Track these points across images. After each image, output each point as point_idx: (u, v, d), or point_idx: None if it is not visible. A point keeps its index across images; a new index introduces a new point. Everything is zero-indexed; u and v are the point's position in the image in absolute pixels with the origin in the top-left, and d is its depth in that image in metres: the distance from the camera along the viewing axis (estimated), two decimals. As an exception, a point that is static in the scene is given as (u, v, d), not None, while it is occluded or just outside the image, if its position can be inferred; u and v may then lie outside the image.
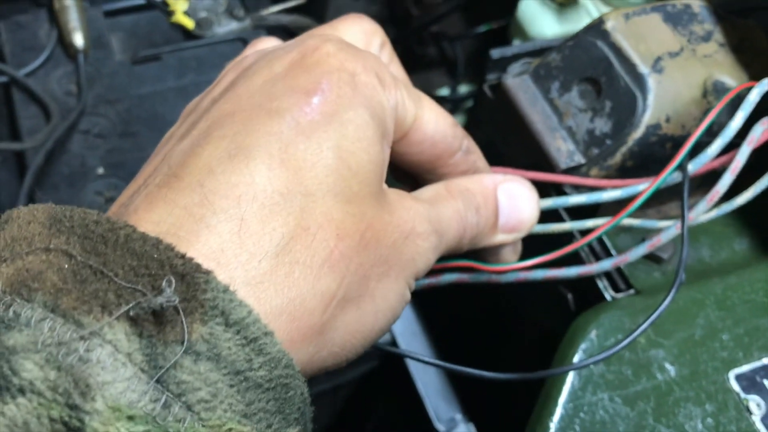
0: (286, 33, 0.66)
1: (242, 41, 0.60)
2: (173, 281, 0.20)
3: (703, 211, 0.36)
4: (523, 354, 0.47)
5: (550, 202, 0.37)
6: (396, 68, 0.35)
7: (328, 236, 0.24)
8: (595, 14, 0.69)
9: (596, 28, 0.40)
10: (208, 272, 0.20)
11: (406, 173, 0.34)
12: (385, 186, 0.29)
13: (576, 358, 0.35)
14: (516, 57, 0.44)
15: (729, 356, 0.36)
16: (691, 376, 0.35)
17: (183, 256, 0.20)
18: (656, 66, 0.39)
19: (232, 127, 0.25)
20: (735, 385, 0.35)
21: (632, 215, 0.37)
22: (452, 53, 0.80)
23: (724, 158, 0.37)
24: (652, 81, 0.38)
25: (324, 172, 0.25)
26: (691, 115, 0.39)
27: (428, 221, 0.29)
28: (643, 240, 0.38)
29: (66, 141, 0.52)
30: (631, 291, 0.38)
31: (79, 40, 0.56)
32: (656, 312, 0.33)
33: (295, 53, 0.28)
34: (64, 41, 0.57)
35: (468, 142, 0.33)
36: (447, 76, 0.82)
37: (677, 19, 0.41)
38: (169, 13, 0.59)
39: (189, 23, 0.59)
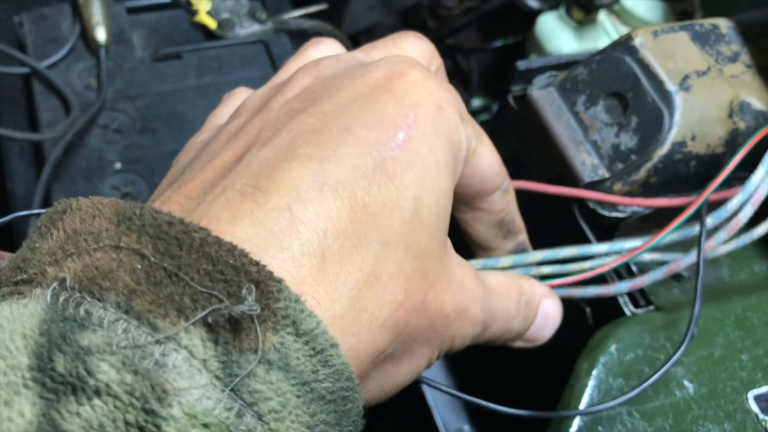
0: (306, 38, 0.66)
1: (263, 44, 0.60)
2: (254, 289, 0.19)
3: (723, 240, 0.36)
4: (534, 366, 0.47)
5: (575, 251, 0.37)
6: None
7: (397, 290, 0.24)
8: (613, 33, 0.70)
9: (624, 43, 0.40)
10: (280, 281, 0.20)
11: None
12: (452, 252, 0.28)
13: (596, 371, 0.35)
14: (541, 69, 0.44)
15: (748, 377, 0.35)
16: (710, 394, 0.35)
17: (257, 264, 0.20)
18: (683, 84, 0.39)
19: (320, 149, 0.24)
20: (754, 406, 0.35)
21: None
22: (467, 66, 0.81)
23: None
24: (679, 98, 0.38)
25: (399, 222, 0.24)
26: (717, 135, 0.39)
27: (482, 310, 0.29)
28: (661, 264, 0.38)
29: (85, 134, 0.52)
30: (651, 307, 0.38)
31: (101, 35, 0.56)
32: (656, 375, 0.33)
33: (380, 75, 0.27)
34: (86, 35, 0.57)
35: (508, 182, 0.34)
36: (461, 89, 0.82)
37: (705, 38, 0.41)
38: (193, 13, 0.59)
39: (212, 23, 0.59)
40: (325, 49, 0.33)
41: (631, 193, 0.39)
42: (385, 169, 0.24)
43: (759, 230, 0.37)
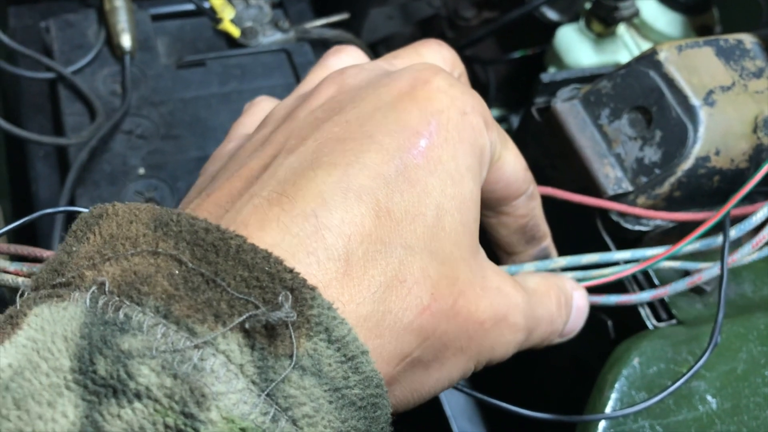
0: (327, 47, 0.67)
1: (286, 52, 0.61)
2: (290, 297, 0.20)
3: (748, 254, 0.36)
4: (554, 379, 0.47)
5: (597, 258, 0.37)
6: None
7: (423, 293, 0.24)
8: (632, 46, 0.70)
9: (649, 58, 0.41)
10: (313, 288, 0.20)
11: None
12: (485, 260, 0.28)
13: (618, 384, 0.35)
14: (565, 82, 0.44)
15: (771, 392, 0.35)
16: (733, 410, 0.35)
17: (291, 271, 0.20)
18: (708, 99, 0.39)
19: (344, 156, 0.24)
20: (777, 422, 0.35)
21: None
22: (485, 77, 0.81)
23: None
24: (703, 113, 0.39)
25: (422, 228, 0.25)
26: (741, 150, 0.39)
27: (524, 316, 0.28)
28: (686, 274, 0.38)
29: (109, 140, 0.53)
30: (673, 321, 0.38)
31: (126, 41, 0.57)
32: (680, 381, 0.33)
33: (404, 83, 0.27)
34: (111, 42, 0.58)
35: (533, 188, 0.34)
36: (478, 100, 0.83)
37: (729, 54, 0.41)
38: (217, 21, 0.60)
39: (235, 31, 0.60)
40: (345, 57, 0.33)
41: (654, 207, 0.39)
42: (407, 176, 0.25)
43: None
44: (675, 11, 0.70)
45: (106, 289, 0.20)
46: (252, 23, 0.61)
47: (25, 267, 0.26)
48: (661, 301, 0.39)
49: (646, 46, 0.69)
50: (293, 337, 0.20)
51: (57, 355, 0.19)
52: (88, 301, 0.20)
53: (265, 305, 0.20)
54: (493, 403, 0.33)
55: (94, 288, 0.20)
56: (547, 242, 0.37)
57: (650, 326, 0.38)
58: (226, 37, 0.61)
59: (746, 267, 0.42)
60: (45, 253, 0.28)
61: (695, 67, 0.40)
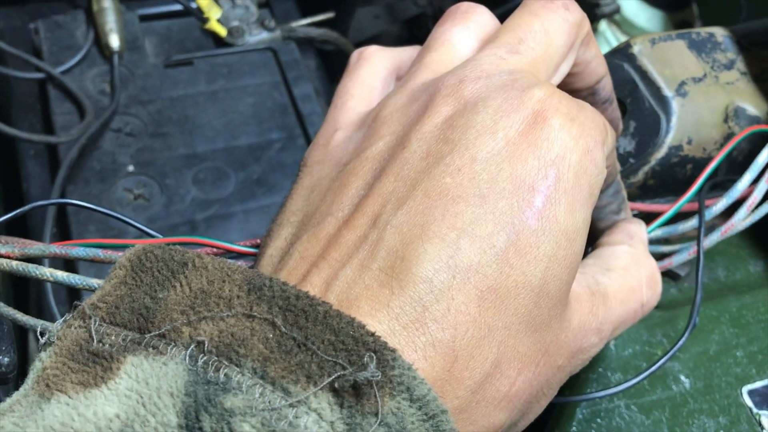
0: (313, 45, 0.68)
1: (272, 51, 0.62)
2: (374, 358, 0.20)
3: (716, 240, 0.38)
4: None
5: None
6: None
7: (511, 371, 0.24)
8: (614, 42, 0.71)
9: (623, 51, 0.42)
10: (394, 350, 0.21)
11: None
12: (571, 292, 0.27)
13: (594, 366, 0.36)
14: (543, 76, 0.45)
15: (742, 372, 0.37)
16: (705, 389, 0.36)
17: (373, 334, 0.21)
18: (680, 90, 0.40)
19: (454, 224, 0.23)
20: (748, 400, 0.36)
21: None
22: (471, 75, 0.82)
23: (743, 192, 0.38)
24: (675, 104, 0.40)
25: (525, 302, 0.24)
26: (712, 139, 0.40)
27: (599, 334, 0.28)
28: (660, 258, 0.39)
29: (98, 138, 0.54)
30: (649, 305, 0.40)
31: (114, 41, 0.58)
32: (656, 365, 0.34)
33: (519, 124, 0.24)
34: (100, 42, 0.58)
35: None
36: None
37: (701, 46, 0.43)
38: (204, 20, 0.61)
39: (222, 31, 0.61)
40: (471, 26, 0.29)
41: (629, 196, 0.40)
42: (518, 245, 0.23)
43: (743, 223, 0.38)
44: (655, 8, 0.71)
45: (205, 349, 0.21)
46: (238, 23, 0.62)
47: (16, 249, 0.27)
48: (637, 286, 0.40)
49: (627, 42, 0.71)
50: (378, 395, 0.20)
51: (164, 410, 0.20)
52: (187, 358, 0.20)
53: (351, 366, 0.20)
54: None
55: (192, 347, 0.21)
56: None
57: (626, 311, 0.39)
58: (213, 36, 0.62)
59: (719, 253, 0.43)
60: (35, 244, 0.29)
61: (668, 60, 0.41)
